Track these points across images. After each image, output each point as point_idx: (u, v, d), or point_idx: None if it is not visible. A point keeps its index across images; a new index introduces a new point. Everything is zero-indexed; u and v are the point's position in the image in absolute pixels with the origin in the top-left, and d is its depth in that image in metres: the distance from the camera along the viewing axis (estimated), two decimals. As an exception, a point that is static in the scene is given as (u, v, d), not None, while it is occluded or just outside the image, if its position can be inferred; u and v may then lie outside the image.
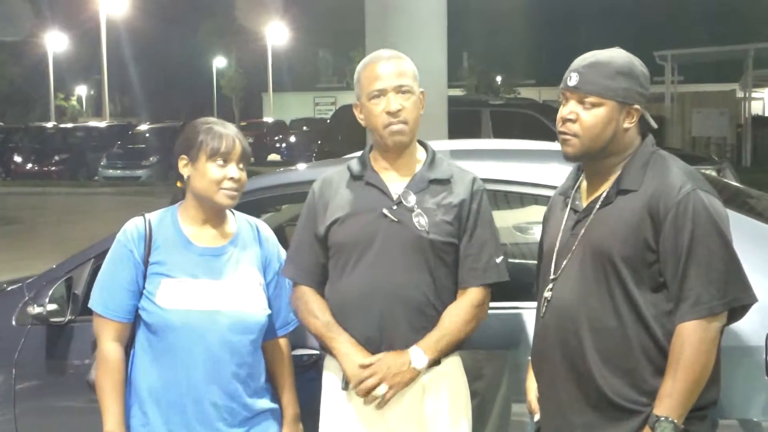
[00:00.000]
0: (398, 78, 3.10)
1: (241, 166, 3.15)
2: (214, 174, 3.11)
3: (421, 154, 3.21)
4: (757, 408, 3.03)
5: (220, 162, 3.11)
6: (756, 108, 44.01)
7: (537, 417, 3.01)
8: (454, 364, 3.14)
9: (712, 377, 2.69)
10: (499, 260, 3.15)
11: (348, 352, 3.04)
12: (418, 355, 3.00)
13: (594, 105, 2.76)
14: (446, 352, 3.06)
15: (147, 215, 3.23)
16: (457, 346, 3.10)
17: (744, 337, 3.03)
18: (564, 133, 2.80)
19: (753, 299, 2.70)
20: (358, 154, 3.32)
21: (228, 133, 3.15)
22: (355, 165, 3.20)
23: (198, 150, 3.13)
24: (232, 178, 3.11)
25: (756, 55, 30.26)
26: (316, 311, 3.13)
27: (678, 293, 2.66)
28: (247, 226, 3.30)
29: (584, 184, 2.94)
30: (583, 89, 2.76)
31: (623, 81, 2.77)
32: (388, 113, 3.06)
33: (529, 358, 3.05)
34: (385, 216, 3.07)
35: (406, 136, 3.10)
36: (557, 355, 2.84)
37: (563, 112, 2.80)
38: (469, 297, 3.10)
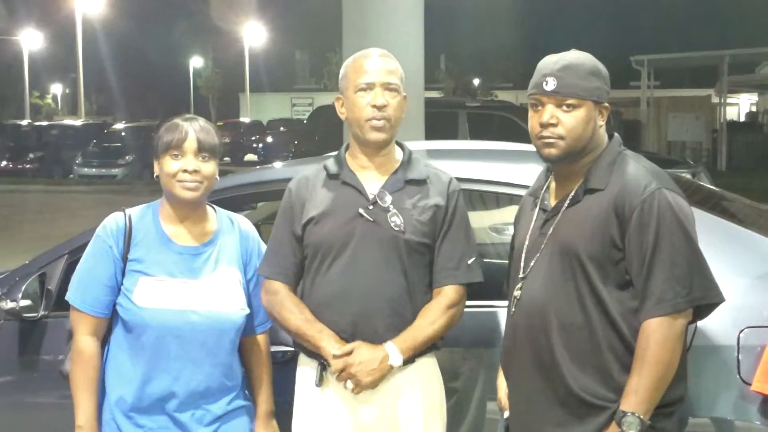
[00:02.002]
0: (387, 75, 3.11)
1: (203, 157, 3.11)
2: (170, 167, 3.10)
3: (398, 154, 3.22)
4: (729, 406, 3.06)
5: (175, 154, 3.10)
6: (731, 113, 44.27)
7: (507, 414, 3.04)
8: (429, 363, 3.15)
9: (679, 374, 2.73)
10: (471, 261, 3.15)
11: (330, 342, 3.02)
12: (393, 352, 3.01)
13: (574, 107, 2.80)
14: (420, 351, 3.07)
15: (127, 210, 3.21)
16: (431, 345, 3.11)
17: (716, 336, 3.07)
18: (547, 137, 2.82)
19: (719, 298, 2.74)
20: (335, 153, 3.32)
21: (183, 125, 3.12)
22: (331, 164, 3.20)
23: (157, 147, 3.13)
24: (186, 170, 3.09)
25: (731, 61, 30.48)
26: (293, 307, 3.12)
27: (643, 290, 2.70)
28: (228, 223, 3.28)
29: (553, 184, 2.98)
30: (563, 92, 2.79)
31: (595, 81, 2.83)
32: (374, 106, 3.07)
33: (502, 355, 3.06)
34: (361, 216, 3.07)
35: (387, 132, 3.10)
36: (526, 353, 2.87)
37: (543, 118, 2.82)
38: (443, 297, 3.11)
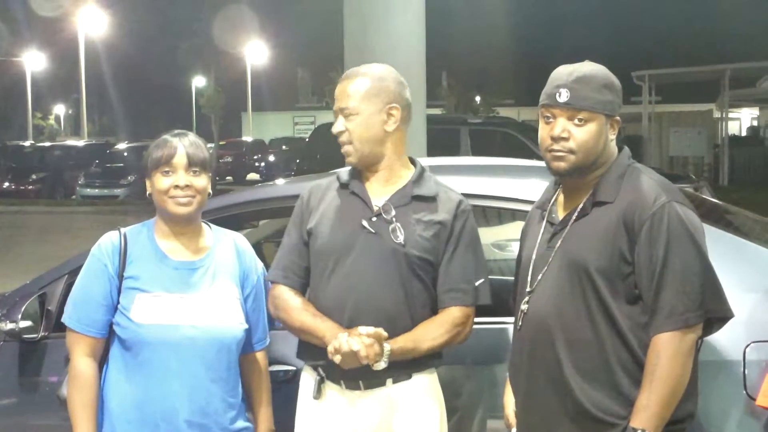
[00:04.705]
0: (343, 100, 3.13)
1: (194, 171, 3.10)
2: (162, 184, 3.09)
3: (408, 169, 3.21)
4: (735, 422, 3.03)
5: (166, 171, 3.09)
6: (732, 128, 44.33)
7: (514, 431, 2.99)
8: (428, 380, 3.12)
9: (689, 390, 2.69)
10: (479, 283, 3.12)
11: (332, 326, 2.99)
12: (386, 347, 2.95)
13: (586, 120, 2.77)
14: (405, 356, 2.99)
15: (122, 229, 3.20)
16: (423, 357, 3.05)
17: (722, 351, 3.04)
18: (557, 150, 2.79)
19: (729, 313, 2.71)
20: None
21: (172, 141, 3.11)
22: (344, 174, 3.23)
23: (147, 164, 3.12)
24: (177, 186, 3.08)
25: (732, 76, 30.54)
26: (297, 305, 3.11)
27: (653, 305, 2.66)
28: (224, 239, 3.27)
29: (561, 197, 2.95)
30: (577, 105, 2.76)
31: (608, 94, 2.80)
32: (334, 134, 3.15)
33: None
34: (364, 227, 3.07)
35: (351, 156, 3.14)
36: (533, 368, 2.84)
37: (555, 131, 2.79)
38: (448, 315, 3.08)
